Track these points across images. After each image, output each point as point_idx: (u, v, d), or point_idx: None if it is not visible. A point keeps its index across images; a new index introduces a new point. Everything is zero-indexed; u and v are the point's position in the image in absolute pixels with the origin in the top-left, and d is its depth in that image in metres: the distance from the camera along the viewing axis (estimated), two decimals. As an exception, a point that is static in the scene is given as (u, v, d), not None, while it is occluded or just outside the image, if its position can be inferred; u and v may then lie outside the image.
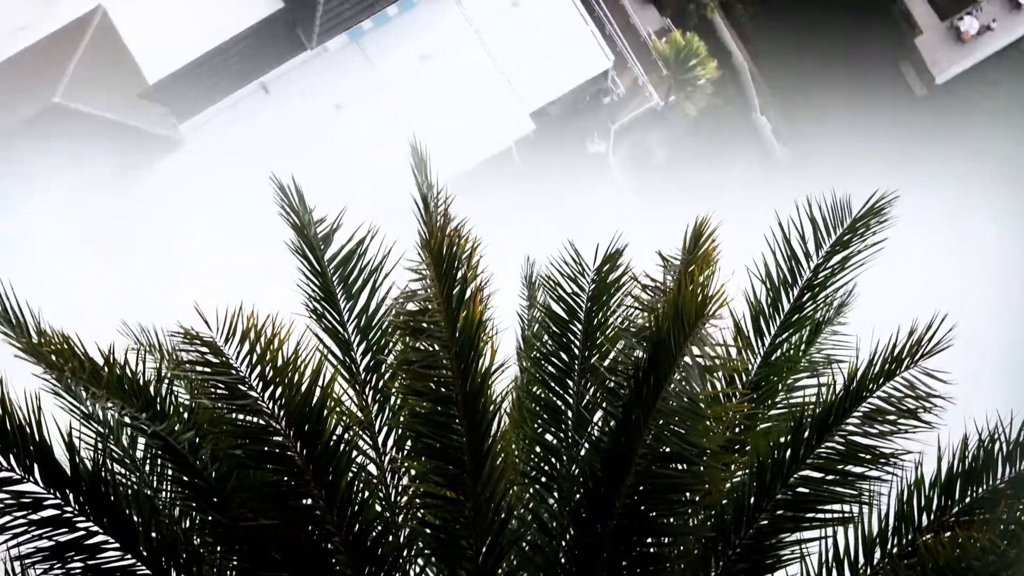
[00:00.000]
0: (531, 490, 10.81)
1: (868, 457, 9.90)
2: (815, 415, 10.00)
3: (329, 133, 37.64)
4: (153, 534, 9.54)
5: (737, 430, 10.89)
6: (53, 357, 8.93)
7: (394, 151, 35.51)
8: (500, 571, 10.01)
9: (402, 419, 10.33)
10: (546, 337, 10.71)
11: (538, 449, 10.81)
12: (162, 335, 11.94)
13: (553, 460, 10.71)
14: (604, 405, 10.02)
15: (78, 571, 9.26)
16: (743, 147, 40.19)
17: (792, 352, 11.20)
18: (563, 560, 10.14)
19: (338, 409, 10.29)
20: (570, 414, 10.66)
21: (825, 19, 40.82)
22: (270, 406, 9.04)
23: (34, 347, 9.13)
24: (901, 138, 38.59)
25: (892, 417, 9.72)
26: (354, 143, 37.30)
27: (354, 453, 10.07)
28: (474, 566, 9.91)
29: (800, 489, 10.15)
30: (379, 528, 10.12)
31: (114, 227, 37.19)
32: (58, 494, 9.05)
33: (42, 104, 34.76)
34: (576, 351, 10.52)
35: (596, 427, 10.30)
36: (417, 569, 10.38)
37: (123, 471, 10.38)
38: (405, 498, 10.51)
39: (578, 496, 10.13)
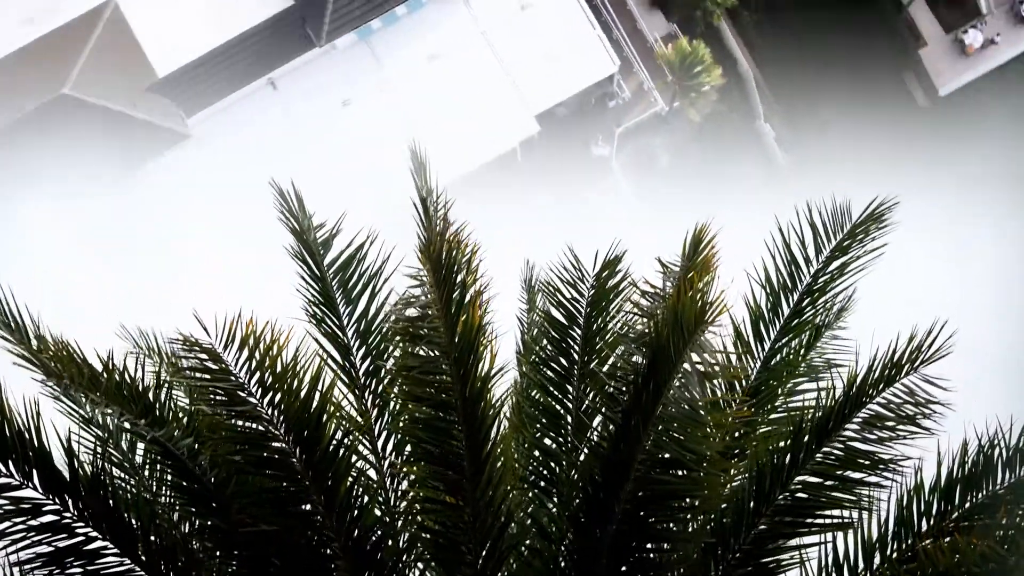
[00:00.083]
0: (530, 495, 10.80)
1: (867, 463, 9.89)
2: (815, 421, 9.99)
3: (336, 130, 37.94)
4: (152, 539, 9.53)
5: (737, 435, 10.88)
6: (52, 364, 8.92)
7: (400, 149, 35.65)
8: (499, 576, 10.02)
9: (401, 424, 10.33)
10: (545, 342, 10.71)
11: (537, 454, 10.80)
12: (161, 339, 11.94)
13: (552, 465, 10.70)
14: (603, 411, 10.02)
15: (77, 576, 9.26)
16: (746, 153, 40.34)
17: (792, 357, 11.19)
18: (562, 565, 10.14)
19: (338, 414, 10.29)
20: (569, 419, 10.65)
21: (831, 28, 41.02)
22: (269, 412, 9.03)
23: (33, 353, 9.13)
24: (903, 148, 38.75)
25: (891, 423, 9.70)
26: (360, 140, 37.57)
27: (353, 458, 10.07)
28: (473, 571, 9.91)
29: (800, 494, 10.14)
30: (378, 533, 10.13)
31: (116, 225, 37.27)
32: (57, 500, 9.04)
33: (52, 95, 35.02)
34: (575, 356, 10.51)
35: (595, 432, 10.30)
36: (416, 574, 10.38)
37: (122, 475, 10.37)
38: (404, 503, 10.51)
39: (577, 501, 10.13)
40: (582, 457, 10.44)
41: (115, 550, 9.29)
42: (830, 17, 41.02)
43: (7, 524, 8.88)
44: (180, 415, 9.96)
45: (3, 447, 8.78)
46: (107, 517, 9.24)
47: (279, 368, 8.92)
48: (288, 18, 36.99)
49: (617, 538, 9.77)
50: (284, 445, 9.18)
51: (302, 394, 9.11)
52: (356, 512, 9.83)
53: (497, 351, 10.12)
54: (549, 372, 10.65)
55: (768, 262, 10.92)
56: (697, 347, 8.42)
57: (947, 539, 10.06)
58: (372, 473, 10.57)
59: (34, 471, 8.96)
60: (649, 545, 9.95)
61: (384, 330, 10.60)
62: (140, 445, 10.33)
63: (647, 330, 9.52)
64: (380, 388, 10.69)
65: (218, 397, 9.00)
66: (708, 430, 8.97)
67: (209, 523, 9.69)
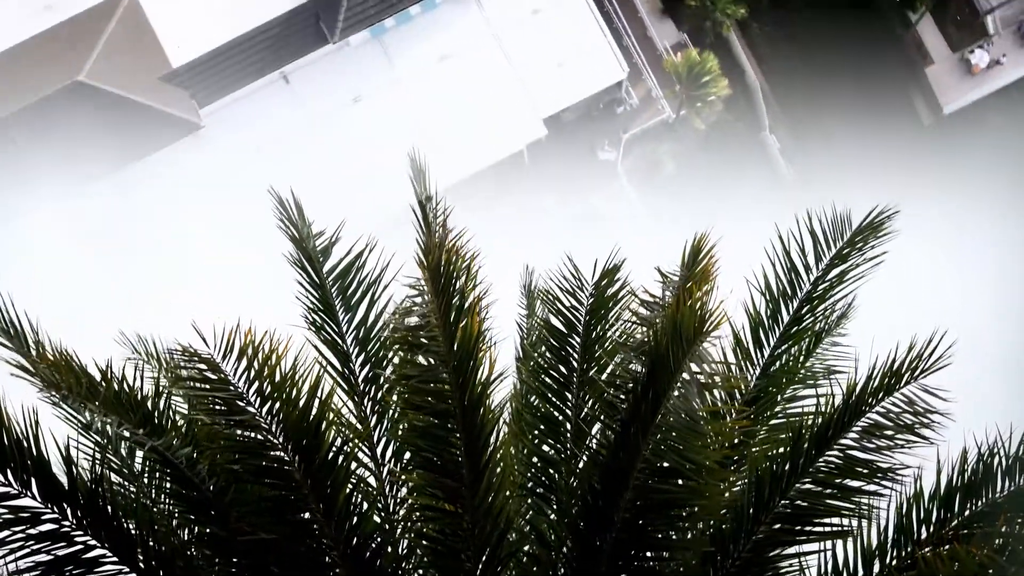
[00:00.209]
0: (529, 501, 10.80)
1: (866, 471, 9.88)
2: (814, 429, 9.98)
3: (346, 126, 38.35)
4: (151, 547, 9.52)
5: (736, 442, 10.87)
6: (50, 373, 8.91)
7: (408, 146, 35.90)
8: (498, 583, 10.01)
9: (400, 432, 10.32)
10: (545, 350, 10.70)
11: (536, 461, 10.80)
12: (160, 344, 11.92)
13: (552, 472, 10.70)
14: (602, 419, 10.01)
15: (76, 584, 9.25)
16: (750, 163, 40.60)
17: (791, 364, 11.18)
18: (561, 572, 10.14)
19: (337, 421, 10.29)
20: (568, 426, 10.65)
21: (839, 42, 41.34)
22: (268, 421, 9.03)
23: (31, 363, 9.12)
24: (905, 163, 38.97)
25: (890, 432, 9.69)
26: (370, 137, 37.96)
27: (352, 466, 10.06)
28: (472, 578, 9.90)
29: (799, 502, 10.13)
30: (377, 541, 10.12)
31: (118, 222, 37.37)
32: (56, 508, 9.03)
33: (67, 81, 35.35)
34: (575, 364, 10.50)
35: (594, 440, 10.30)
36: (415, 581, 10.38)
37: (121, 481, 10.37)
38: (403, 510, 10.50)
39: (576, 509, 10.13)
40: (581, 465, 10.44)
41: (114, 558, 9.28)
42: (839, 32, 41.36)
43: (6, 533, 8.85)
44: (179, 423, 9.95)
45: (2, 456, 8.77)
46: (106, 525, 9.23)
47: (278, 377, 8.92)
48: (303, 14, 37.46)
49: (616, 546, 9.76)
50: (283, 454, 9.18)
51: (301, 403, 9.10)
52: (355, 520, 9.83)
53: (497, 355, 10.12)
54: (548, 380, 10.65)
55: (768, 269, 10.92)
56: (696, 357, 8.41)
57: (946, 547, 10.04)
58: (371, 480, 10.57)
59: (33, 480, 8.95)
60: (648, 553, 9.94)
61: (383, 338, 10.59)
62: (139, 452, 10.33)
63: (646, 339, 9.51)
64: (379, 395, 10.68)
65: (217, 407, 9.00)
66: (707, 439, 8.96)
67: (208, 531, 9.69)
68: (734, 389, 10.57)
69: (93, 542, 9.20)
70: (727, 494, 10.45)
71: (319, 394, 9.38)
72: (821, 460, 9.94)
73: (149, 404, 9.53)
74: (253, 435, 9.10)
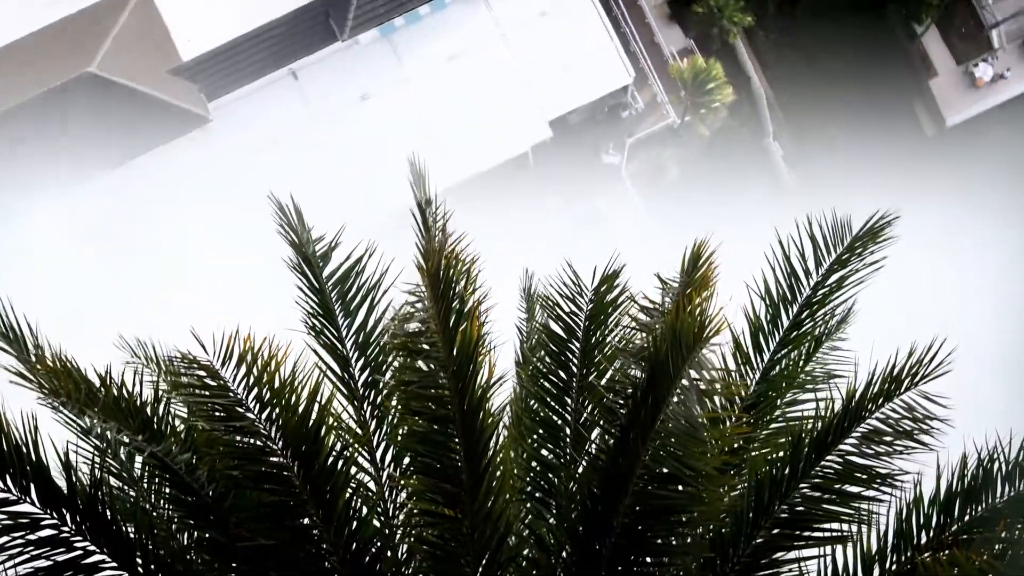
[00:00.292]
0: (528, 505, 10.79)
1: (865, 477, 9.87)
2: (813, 434, 9.98)
3: (353, 123, 38.62)
4: (150, 553, 9.52)
5: (736, 445, 10.86)
6: (49, 380, 8.90)
7: (415, 144, 36.32)
8: (498, 588, 10.00)
9: (400, 436, 10.31)
10: (544, 355, 10.69)
11: (536, 465, 10.79)
12: (160, 347, 11.91)
13: (551, 476, 10.69)
14: (602, 424, 10.01)
15: (75, 590, 9.25)
16: (754, 170, 40.84)
17: (791, 369, 11.17)
18: (561, 577, 10.14)
19: (336, 425, 10.29)
20: (568, 431, 10.63)
21: (845, 52, 41.62)
22: (267, 427, 9.03)
23: (31, 368, 9.11)
24: (907, 173, 39.17)
25: (889, 439, 9.69)
26: (377, 134, 38.22)
27: (352, 471, 10.06)
28: (472, 583, 9.89)
29: (798, 507, 10.13)
30: (377, 546, 10.12)
31: (120, 220, 37.45)
32: (55, 514, 9.03)
33: (77, 72, 35.53)
34: (574, 369, 10.49)
35: (594, 445, 10.30)
36: (415, 586, 10.37)
37: (120, 485, 10.37)
38: (403, 515, 10.49)
39: (575, 514, 10.12)
40: (580, 469, 10.43)
41: (113, 564, 9.28)
42: (845, 42, 41.60)
43: (5, 539, 8.86)
44: (178, 429, 9.95)
45: (1, 462, 8.77)
46: (105, 531, 9.23)
47: (277, 383, 8.92)
48: (313, 11, 37.69)
49: (615, 551, 9.76)
50: (282, 460, 9.17)
51: (300, 409, 9.10)
52: (354, 525, 9.83)
53: (497, 359, 10.11)
54: (548, 384, 10.64)
55: (768, 274, 10.91)
56: (696, 364, 8.40)
57: (946, 552, 10.05)
58: (371, 485, 10.56)
59: (32, 485, 8.95)
60: (648, 558, 9.93)
61: (383, 343, 10.59)
62: (139, 456, 10.32)
63: (646, 344, 9.50)
64: (379, 400, 10.67)
65: (216, 413, 8.99)
66: (707, 446, 8.95)
67: (207, 536, 9.68)
68: (734, 396, 10.55)
69: (92, 547, 9.21)
70: (727, 498, 10.45)
71: (318, 400, 9.38)
72: (821, 465, 9.94)
73: (148, 410, 9.53)
74: (252, 441, 9.10)
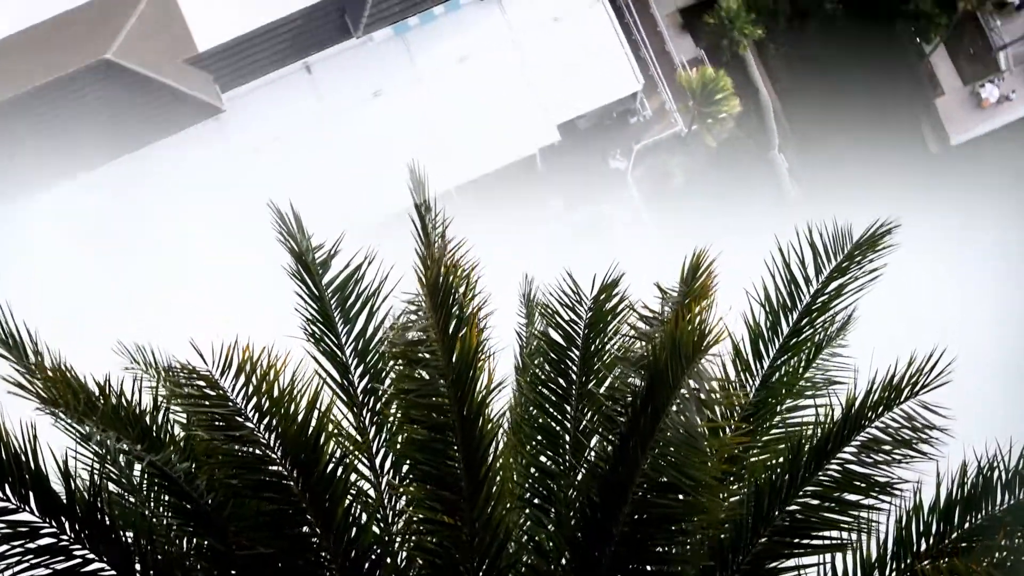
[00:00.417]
0: (527, 512, 10.78)
1: (864, 486, 9.86)
2: (813, 443, 9.97)
3: (364, 119, 38.98)
4: (148, 559, 9.52)
5: (736, 452, 10.85)
6: (48, 388, 8.89)
7: (425, 142, 36.84)
8: (497, 595, 10.00)
9: (399, 444, 10.31)
10: (544, 362, 10.67)
11: (535, 472, 10.76)
12: (159, 352, 11.90)
13: (550, 484, 10.66)
14: (601, 432, 10.00)
15: (75, 598, 9.24)
16: (758, 181, 41.19)
17: (790, 375, 11.16)
18: (561, 584, 10.12)
19: (336, 432, 10.28)
20: (567, 439, 10.61)
21: (853, 68, 41.90)
22: (266, 436, 9.02)
23: (30, 375, 9.10)
24: (910, 190, 39.38)
25: (888, 448, 9.68)
26: (387, 131, 38.56)
27: (351, 478, 10.05)
28: (471, 590, 9.89)
29: (798, 515, 10.13)
30: (376, 553, 10.11)
31: (125, 211, 37.57)
32: (54, 522, 9.03)
33: (94, 59, 35.91)
34: (574, 377, 10.47)
35: (593, 452, 10.28)
36: (414, 593, 10.36)
37: (119, 491, 10.36)
38: (402, 522, 10.49)
39: (574, 522, 10.12)
40: (580, 477, 10.42)
41: (112, 572, 9.27)
42: (854, 57, 41.90)
43: (5, 547, 8.86)
44: (177, 438, 9.94)
45: (0, 471, 8.76)
46: (104, 539, 9.23)
47: (276, 393, 8.91)
48: (329, 7, 38.09)
49: (615, 559, 9.75)
50: (281, 468, 9.17)
51: (299, 418, 9.09)
52: (353, 532, 9.81)
53: (497, 364, 10.09)
54: (547, 392, 10.62)
55: (768, 282, 10.89)
56: (695, 374, 8.39)
57: (946, 560, 10.04)
58: (370, 492, 10.55)
59: (31, 494, 8.94)
60: (647, 567, 9.92)
61: (382, 349, 10.57)
62: (138, 464, 10.31)
63: (645, 353, 9.49)
64: (378, 407, 10.67)
65: (216, 422, 8.98)
66: (706, 455, 8.94)
67: (207, 544, 9.67)
68: (734, 405, 10.54)
69: (91, 556, 9.20)
70: (726, 505, 10.44)
71: (318, 408, 9.37)
72: (820, 474, 9.93)
73: (147, 418, 9.53)
74: (251, 450, 9.09)
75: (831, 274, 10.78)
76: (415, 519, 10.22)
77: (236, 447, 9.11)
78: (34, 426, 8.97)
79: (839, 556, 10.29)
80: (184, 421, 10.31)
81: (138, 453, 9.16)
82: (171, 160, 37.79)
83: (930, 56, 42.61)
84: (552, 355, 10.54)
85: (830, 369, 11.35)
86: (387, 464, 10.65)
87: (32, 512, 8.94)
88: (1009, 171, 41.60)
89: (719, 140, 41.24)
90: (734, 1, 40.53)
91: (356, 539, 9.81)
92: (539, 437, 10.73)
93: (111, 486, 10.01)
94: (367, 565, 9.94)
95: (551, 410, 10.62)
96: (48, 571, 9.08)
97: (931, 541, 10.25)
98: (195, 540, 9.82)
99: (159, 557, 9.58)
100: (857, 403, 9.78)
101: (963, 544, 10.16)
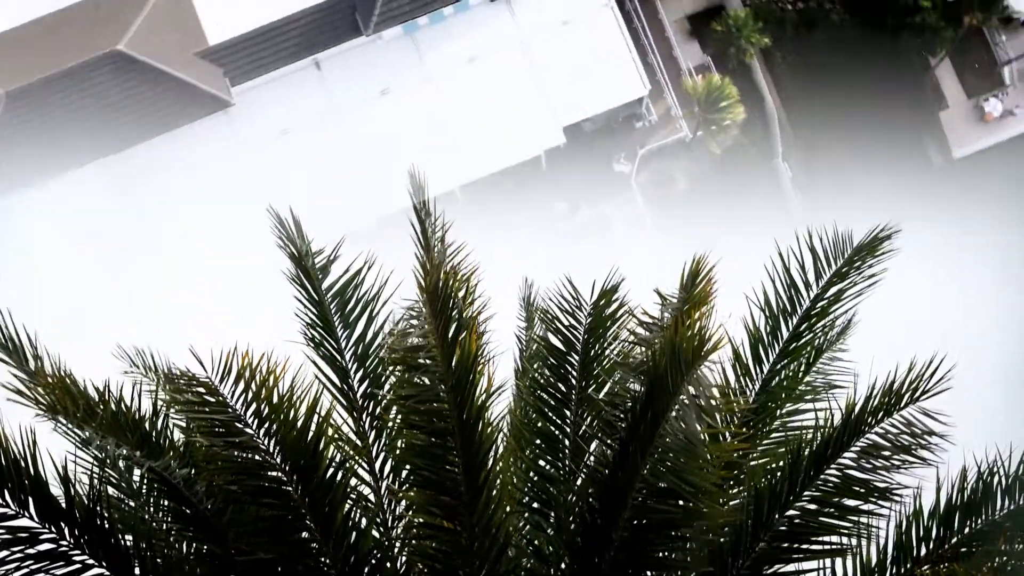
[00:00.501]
0: (526, 515, 10.77)
1: (864, 491, 9.85)
2: (812, 448, 9.96)
3: (371, 116, 39.23)
4: (147, 563, 9.52)
5: (736, 456, 10.84)
6: (47, 395, 8.88)
7: (431, 141, 36.99)
8: (497, 600, 9.99)
9: (399, 449, 10.30)
10: (544, 367, 10.65)
11: (535, 476, 10.76)
12: (158, 356, 11.89)
13: (550, 488, 10.66)
14: (601, 437, 9.99)
15: (75, 603, 9.23)
16: (760, 188, 41.52)
17: (790, 379, 11.15)
18: (561, 589, 10.12)
19: (336, 437, 10.27)
20: (567, 443, 10.61)
21: (859, 78, 42.16)
22: (266, 442, 9.01)
23: (29, 380, 9.10)
24: (911, 201, 39.59)
25: (887, 453, 9.67)
26: (394, 129, 38.85)
27: (351, 483, 10.04)
28: (471, 595, 9.88)
29: (797, 520, 10.12)
30: (376, 558, 10.10)
31: (128, 207, 37.62)
32: (53, 528, 9.03)
33: (106, 49, 36.35)
34: (573, 382, 10.46)
35: (593, 457, 10.28)
36: (413, 599, 10.35)
37: (119, 495, 10.36)
38: (402, 527, 10.48)
39: (574, 526, 10.11)
40: (579, 482, 10.41)
41: (111, 577, 9.28)
42: (859, 68, 42.16)
43: (4, 553, 8.87)
44: (177, 443, 9.93)
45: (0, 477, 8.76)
46: (103, 544, 9.22)
47: (275, 399, 8.90)
48: (340, 4, 38.47)
49: (614, 564, 9.75)
50: (281, 474, 9.16)
51: (299, 424, 9.08)
52: (353, 537, 9.81)
53: (496, 367, 10.08)
54: (547, 396, 10.61)
55: (768, 286, 10.88)
56: (695, 381, 8.38)
57: (946, 565, 10.05)
58: (370, 496, 10.54)
59: (30, 499, 8.94)
60: (647, 572, 9.91)
61: (382, 354, 10.56)
62: (138, 468, 10.30)
63: (645, 358, 9.48)
64: (378, 411, 10.66)
65: (215, 428, 8.97)
66: (706, 462, 8.93)
67: (206, 549, 9.67)
68: (733, 412, 10.52)
69: (91, 561, 9.20)
70: (726, 509, 10.43)
71: (317, 413, 9.36)
72: (820, 479, 9.92)
73: (147, 424, 9.52)
74: (251, 456, 9.09)
75: (831, 279, 10.77)
76: (415, 524, 10.20)
77: (236, 453, 9.10)
78: (33, 431, 8.97)
79: (839, 561, 10.29)
80: (184, 425, 10.30)
81: (138, 459, 9.15)
82: (179, 153, 38.14)
83: (935, 69, 43.00)
84: (552, 360, 10.52)
85: (830, 373, 11.35)
86: (387, 469, 10.64)
87: (31, 518, 8.94)
88: (1010, 185, 41.86)
89: (723, 147, 41.50)
90: (742, 10, 40.83)
91: (356, 544, 9.80)
92: (539, 441, 10.72)
93: (111, 491, 10.02)
94: (367, 570, 9.94)
95: (551, 415, 10.61)
96: (47, 576, 9.09)
97: (931, 546, 10.24)
98: (195, 545, 9.82)
99: (159, 562, 9.59)
100: (857, 409, 9.77)
101: (963, 549, 10.15)
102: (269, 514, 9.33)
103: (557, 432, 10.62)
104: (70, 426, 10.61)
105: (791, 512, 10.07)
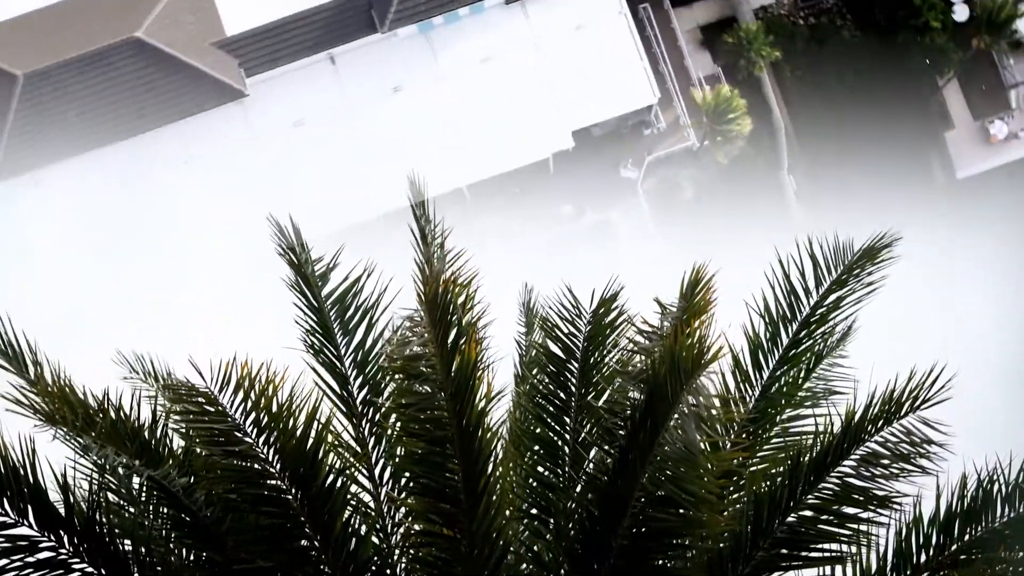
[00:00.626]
0: (526, 522, 10.77)
1: (863, 499, 9.84)
2: (812, 455, 9.95)
3: (384, 112, 39.52)
4: (147, 569, 9.51)
5: (735, 462, 10.83)
6: (46, 404, 8.87)
7: (440, 139, 36.99)
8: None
9: (398, 456, 10.29)
10: (543, 375, 10.64)
11: (534, 483, 10.74)
12: (158, 361, 11.86)
13: (550, 495, 10.65)
14: (601, 444, 9.98)
15: (74, 610, 9.23)
16: (765, 200, 41.90)
17: (790, 386, 11.14)
18: (560, 596, 10.12)
19: (335, 444, 10.26)
20: (566, 450, 10.59)
21: (867, 95, 42.56)
22: (265, 451, 9.01)
23: (27, 395, 9.08)
24: (912, 218, 39.81)
25: (887, 462, 9.66)
26: (405, 126, 39.13)
27: (351, 491, 10.03)
28: (470, 602, 9.87)
29: (797, 528, 10.11)
30: (375, 565, 10.10)
31: (131, 200, 37.68)
32: (53, 536, 9.02)
33: (124, 36, 36.85)
34: (573, 389, 10.45)
35: (592, 465, 10.27)
36: (413, 605, 10.34)
37: (118, 501, 10.35)
38: (401, 534, 10.47)
39: (573, 534, 10.10)
40: (579, 489, 10.40)
41: (111, 585, 9.27)
42: (867, 84, 42.55)
43: (4, 561, 8.86)
44: (176, 452, 9.92)
45: (-1, 486, 8.76)
46: (103, 552, 9.22)
47: (274, 408, 8.89)
48: (356, 1, 38.89)
49: (614, 572, 9.74)
50: (280, 482, 9.16)
51: (298, 432, 9.08)
52: (352, 545, 9.80)
53: (496, 373, 10.06)
54: (546, 404, 10.60)
55: (768, 294, 10.87)
56: (694, 390, 8.37)
57: (945, 573, 10.04)
58: (369, 503, 10.53)
59: (29, 508, 8.94)
60: (647, 579, 9.91)
61: (381, 361, 10.55)
62: (137, 477, 10.30)
63: (644, 367, 9.47)
64: (377, 418, 10.65)
65: (215, 437, 8.96)
66: (705, 470, 8.93)
67: (205, 557, 9.66)
68: (732, 421, 10.52)
69: (90, 569, 9.20)
70: (725, 516, 10.42)
71: (317, 420, 9.35)
72: (819, 487, 9.91)
73: (146, 432, 9.51)
74: (250, 464, 9.08)
75: (831, 286, 10.75)
76: (414, 531, 10.21)
77: (235, 461, 9.10)
78: (33, 439, 8.97)
79: (838, 569, 10.27)
80: (183, 433, 10.29)
81: (137, 468, 9.15)
82: (192, 141, 38.45)
83: (943, 89, 43.43)
84: (551, 367, 10.51)
85: (830, 380, 11.34)
86: (386, 476, 10.63)
87: (31, 526, 8.94)
88: (1012, 206, 42.15)
89: (730, 157, 41.84)
90: (754, 22, 41.23)
91: (355, 551, 9.80)
92: (538, 448, 10.71)
93: (110, 498, 10.01)
94: (366, 576, 9.94)
95: (550, 422, 10.59)
96: (47, 584, 9.08)
97: (931, 553, 10.23)
98: (194, 553, 9.81)
99: (158, 570, 9.58)
100: (857, 417, 9.77)
101: (963, 557, 10.14)
102: (268, 522, 9.33)
103: (556, 439, 10.61)
104: (69, 434, 10.62)
105: (791, 519, 10.06)
